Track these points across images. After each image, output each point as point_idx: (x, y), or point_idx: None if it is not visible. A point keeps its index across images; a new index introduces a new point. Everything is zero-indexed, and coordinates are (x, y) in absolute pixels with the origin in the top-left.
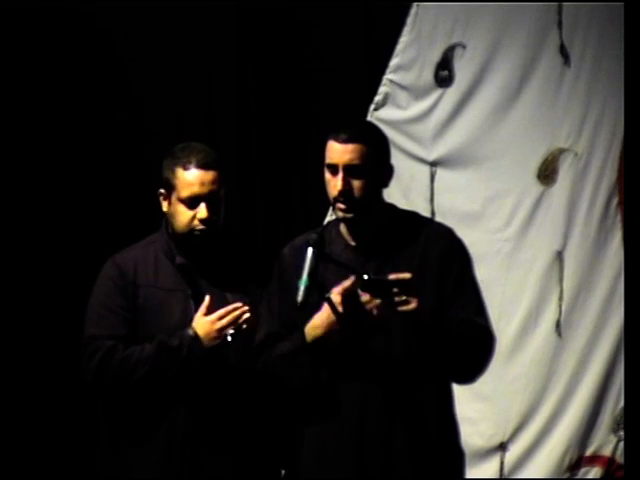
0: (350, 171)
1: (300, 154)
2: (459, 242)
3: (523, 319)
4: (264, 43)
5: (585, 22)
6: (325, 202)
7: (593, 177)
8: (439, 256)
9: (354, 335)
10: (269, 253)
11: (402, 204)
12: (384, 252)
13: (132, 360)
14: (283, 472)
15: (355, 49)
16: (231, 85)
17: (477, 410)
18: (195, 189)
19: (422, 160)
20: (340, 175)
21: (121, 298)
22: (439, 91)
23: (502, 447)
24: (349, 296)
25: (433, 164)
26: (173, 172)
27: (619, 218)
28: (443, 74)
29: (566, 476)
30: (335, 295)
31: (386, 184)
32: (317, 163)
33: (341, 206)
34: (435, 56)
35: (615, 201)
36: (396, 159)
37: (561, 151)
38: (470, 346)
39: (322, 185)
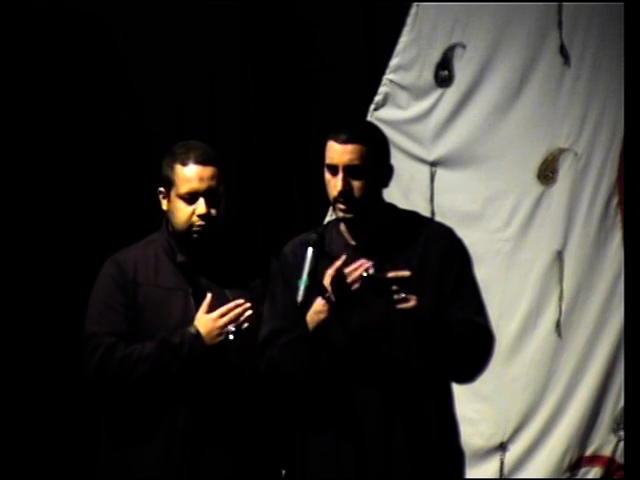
0: (350, 171)
1: (300, 154)
2: (459, 242)
3: (523, 319)
4: (264, 43)
5: (585, 22)
6: (325, 202)
7: (593, 177)
8: (439, 256)
9: (340, 312)
10: (269, 251)
11: (402, 204)
12: (384, 252)
13: (133, 357)
14: (283, 472)
15: (355, 49)
16: (231, 85)
17: (477, 410)
18: (194, 185)
19: (422, 160)
20: (340, 175)
21: (121, 296)
22: (439, 91)
23: (502, 447)
24: (338, 276)
25: (433, 164)
26: (172, 169)
27: (619, 218)
28: (443, 74)
29: (566, 476)
30: (327, 277)
31: (386, 184)
32: (317, 163)
33: (341, 206)
34: (435, 56)
35: (615, 201)
36: (396, 159)
37: (561, 151)
38: (470, 346)
39: (322, 185)
